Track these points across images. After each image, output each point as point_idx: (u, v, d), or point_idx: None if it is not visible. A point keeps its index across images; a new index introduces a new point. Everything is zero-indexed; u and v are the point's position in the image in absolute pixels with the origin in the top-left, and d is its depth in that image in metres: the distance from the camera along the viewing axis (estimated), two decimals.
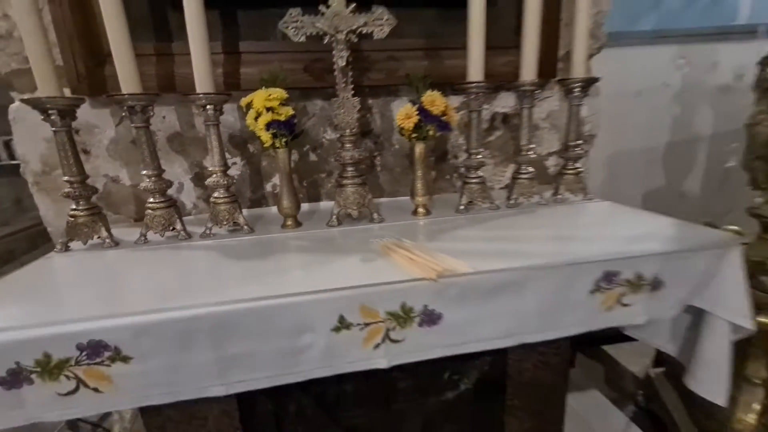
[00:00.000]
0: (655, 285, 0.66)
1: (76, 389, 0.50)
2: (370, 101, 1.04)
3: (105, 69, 0.85)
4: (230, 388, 0.55)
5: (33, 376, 0.49)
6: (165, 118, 0.95)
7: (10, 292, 0.61)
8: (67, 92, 0.83)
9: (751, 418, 0.91)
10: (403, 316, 0.57)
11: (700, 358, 0.74)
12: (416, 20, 0.97)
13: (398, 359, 0.59)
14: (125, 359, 0.50)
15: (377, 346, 0.58)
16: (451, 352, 0.61)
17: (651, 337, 0.84)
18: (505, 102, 1.10)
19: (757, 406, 0.91)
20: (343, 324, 0.56)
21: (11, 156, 3.59)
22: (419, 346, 0.59)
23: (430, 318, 0.58)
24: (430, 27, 0.98)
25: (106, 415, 1.24)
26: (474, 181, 0.93)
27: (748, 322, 0.68)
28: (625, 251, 0.64)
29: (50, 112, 0.71)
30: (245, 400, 0.69)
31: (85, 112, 0.90)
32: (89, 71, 0.85)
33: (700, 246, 0.66)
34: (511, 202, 0.95)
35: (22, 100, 0.71)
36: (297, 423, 0.73)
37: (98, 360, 0.50)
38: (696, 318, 0.74)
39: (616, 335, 0.82)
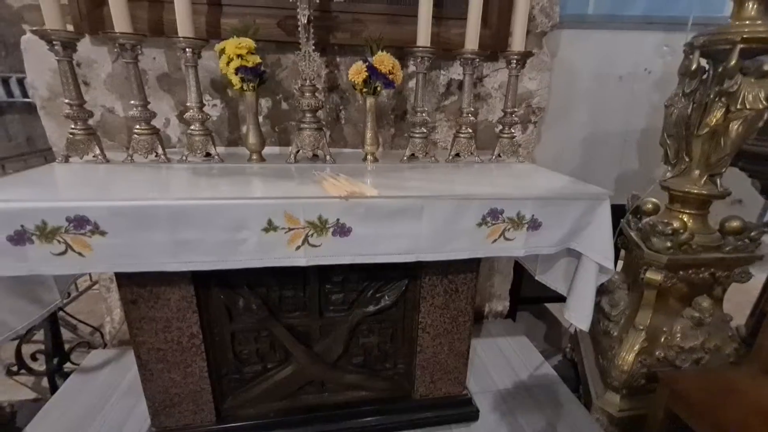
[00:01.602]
0: (534, 225, 0.81)
1: (65, 252, 0.67)
2: (338, 59, 1.17)
3: (104, 10, 0.99)
4: (182, 266, 0.72)
5: (33, 237, 0.66)
6: (155, 59, 1.09)
7: (20, 181, 0.79)
8: (70, 28, 0.97)
9: (631, 357, 1.08)
10: (319, 226, 0.73)
11: (573, 292, 0.90)
12: None
13: (315, 261, 0.76)
14: (102, 233, 0.67)
15: (298, 247, 0.74)
16: (360, 261, 0.77)
17: (552, 281, 1.01)
18: (460, 70, 1.22)
19: (636, 348, 1.08)
20: (271, 226, 0.72)
21: (24, 93, 3.74)
22: (333, 251, 0.76)
23: (342, 230, 0.74)
24: None
25: (101, 325, 1.45)
26: (417, 135, 1.06)
27: (610, 264, 0.84)
28: (507, 194, 0.79)
29: (54, 43, 0.85)
30: (202, 290, 0.87)
31: (85, 48, 1.04)
32: (90, 11, 0.99)
33: (571, 195, 0.81)
34: (450, 158, 1.09)
35: (32, 31, 0.85)
36: (243, 314, 0.91)
37: (82, 231, 0.67)
38: (578, 262, 0.90)
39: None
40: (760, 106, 0.92)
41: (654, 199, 1.20)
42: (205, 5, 1.03)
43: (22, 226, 0.65)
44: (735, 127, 0.95)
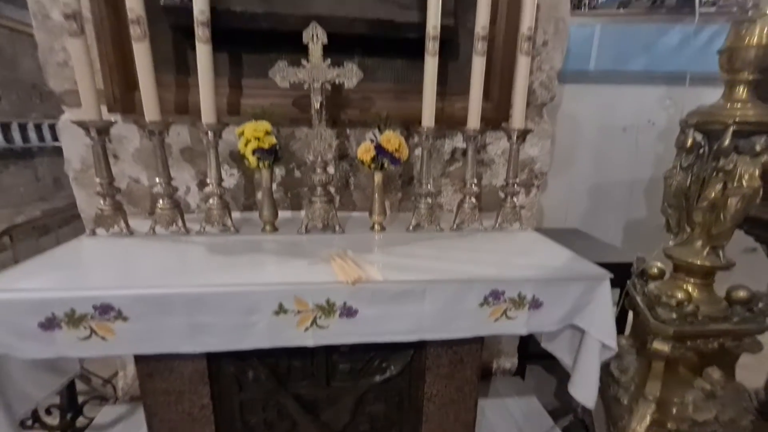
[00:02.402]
0: (535, 304, 0.83)
1: (90, 336, 0.72)
2: (348, 131, 1.24)
3: (135, 94, 1.08)
4: (197, 347, 0.76)
5: (62, 323, 0.71)
6: (179, 134, 1.18)
7: (50, 263, 0.85)
8: (104, 109, 1.07)
9: (642, 428, 1.06)
10: (327, 308, 0.77)
11: (577, 368, 0.91)
12: (388, 67, 1.17)
13: (323, 341, 0.79)
14: (125, 318, 0.72)
15: (307, 329, 0.78)
16: (365, 340, 0.80)
17: (556, 352, 1.02)
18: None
19: (648, 419, 1.06)
20: (281, 309, 0.76)
21: (54, 137, 3.95)
22: (340, 332, 0.79)
23: (349, 312, 0.78)
24: (399, 73, 1.18)
25: (114, 375, 1.49)
26: (423, 206, 1.11)
27: (613, 343, 0.85)
28: (508, 276, 0.82)
29: (90, 130, 0.94)
30: (213, 363, 0.90)
31: (117, 126, 1.14)
32: (123, 95, 1.09)
33: (571, 276, 0.83)
34: (454, 226, 1.13)
35: (72, 121, 0.94)
36: (253, 385, 0.94)
37: (106, 317, 0.71)
38: (581, 337, 0.91)
39: None
40: (756, 185, 0.94)
41: (659, 264, 1.21)
42: (227, 87, 1.12)
43: (52, 313, 0.70)
44: (734, 202, 0.97)
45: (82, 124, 0.94)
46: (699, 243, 1.07)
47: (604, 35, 2.07)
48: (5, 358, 0.72)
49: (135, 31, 0.90)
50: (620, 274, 1.23)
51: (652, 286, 1.17)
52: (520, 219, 1.16)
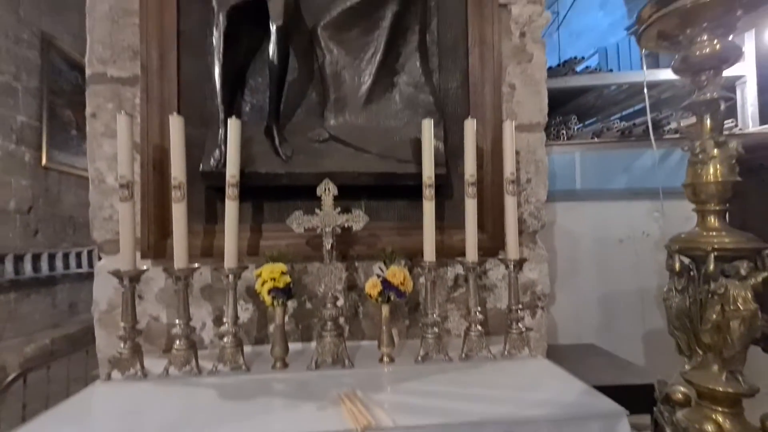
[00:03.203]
0: None
1: None
2: (356, 264, 1.34)
3: (167, 242, 1.22)
4: None
5: None
6: (201, 274, 1.28)
7: (60, 419, 0.86)
8: (138, 256, 1.18)
9: None
10: None
11: None
12: (391, 208, 1.32)
13: None
14: None
15: None
16: None
17: None
18: None
19: None
20: None
21: (78, 265, 4.14)
22: None
23: None
24: (402, 212, 1.32)
25: None
26: (430, 336, 1.14)
27: None
28: (522, 415, 0.81)
29: (123, 279, 1.04)
30: None
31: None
32: (156, 243, 1.22)
33: (586, 414, 0.82)
34: (462, 355, 1.14)
35: (109, 272, 1.05)
36: None
37: None
38: None
39: None
40: (752, 307, 0.97)
41: (683, 389, 1.16)
42: (249, 231, 1.26)
43: None
44: (736, 325, 0.99)
45: (117, 274, 1.04)
46: (715, 367, 1.04)
47: (584, 160, 2.31)
48: None
49: (176, 194, 1.06)
50: (646, 396, 1.18)
51: (679, 414, 1.10)
52: (528, 345, 1.16)
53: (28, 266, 3.38)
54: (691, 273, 1.10)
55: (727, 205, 1.08)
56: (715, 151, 1.05)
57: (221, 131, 1.15)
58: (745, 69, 2.54)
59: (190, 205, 1.13)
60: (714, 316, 1.03)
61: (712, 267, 1.00)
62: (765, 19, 1.07)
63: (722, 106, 1.05)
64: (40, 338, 3.49)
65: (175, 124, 1.06)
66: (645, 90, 2.17)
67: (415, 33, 1.25)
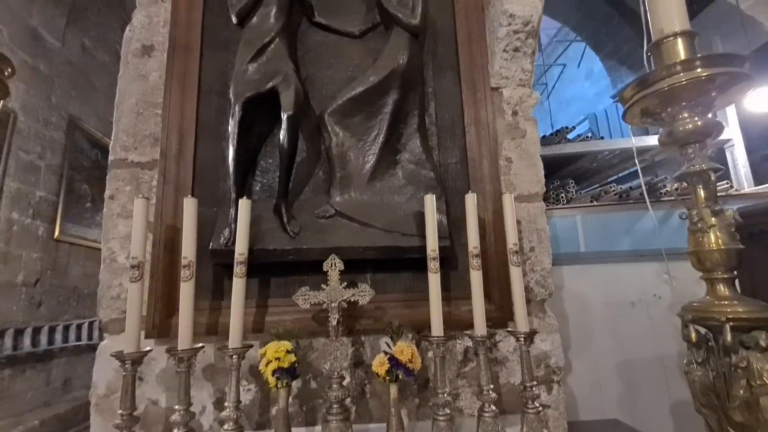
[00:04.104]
0: None
1: None
2: (363, 338, 1.31)
3: (172, 320, 1.21)
4: None
5: None
6: (204, 352, 1.25)
7: None
8: (142, 335, 1.17)
9: None
10: None
11: None
12: (396, 280, 1.32)
13: None
14: None
15: None
16: None
17: None
18: None
19: None
20: None
21: (78, 337, 4.05)
22: None
23: None
24: (407, 284, 1.32)
25: None
26: (441, 418, 1.07)
27: None
28: None
29: (126, 362, 1.02)
30: None
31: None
32: (161, 321, 1.21)
33: None
34: None
35: (111, 354, 1.03)
36: None
37: None
38: None
39: None
40: None
41: None
42: (255, 307, 1.25)
43: None
44: (766, 402, 0.93)
45: (120, 357, 1.02)
46: None
47: (585, 223, 2.33)
48: None
49: (184, 273, 1.08)
50: None
51: None
52: (546, 425, 1.09)
53: (27, 340, 3.32)
54: (710, 344, 1.07)
55: (735, 272, 1.07)
56: (713, 219, 1.07)
57: (232, 211, 1.19)
58: (732, 133, 2.66)
59: (198, 281, 1.14)
60: (741, 392, 0.98)
61: (729, 338, 0.97)
62: (740, 96, 1.15)
63: (713, 177, 1.09)
64: (29, 419, 3.32)
65: (189, 206, 1.10)
66: (635, 158, 2.26)
67: (415, 116, 1.34)
